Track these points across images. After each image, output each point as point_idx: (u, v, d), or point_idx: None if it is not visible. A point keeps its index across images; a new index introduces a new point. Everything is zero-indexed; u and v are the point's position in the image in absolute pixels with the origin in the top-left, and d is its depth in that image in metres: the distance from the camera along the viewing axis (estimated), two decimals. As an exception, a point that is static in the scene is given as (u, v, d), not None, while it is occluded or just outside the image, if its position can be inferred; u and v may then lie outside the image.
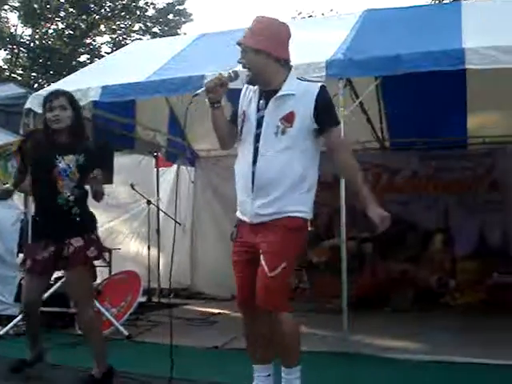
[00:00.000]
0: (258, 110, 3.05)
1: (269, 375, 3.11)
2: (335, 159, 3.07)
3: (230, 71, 3.10)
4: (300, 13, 21.87)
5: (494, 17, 5.43)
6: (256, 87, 3.10)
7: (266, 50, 3.03)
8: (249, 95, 3.13)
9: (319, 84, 3.08)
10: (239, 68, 3.18)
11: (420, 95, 5.95)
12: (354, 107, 4.81)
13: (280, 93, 3.01)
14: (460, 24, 5.17)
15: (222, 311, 6.50)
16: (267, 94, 3.05)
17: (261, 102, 3.06)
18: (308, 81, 3.14)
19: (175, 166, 8.16)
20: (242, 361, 3.33)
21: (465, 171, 7.24)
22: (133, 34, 22.73)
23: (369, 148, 7.42)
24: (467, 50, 4.38)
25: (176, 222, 7.60)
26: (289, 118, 2.99)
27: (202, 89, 3.05)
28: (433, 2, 16.75)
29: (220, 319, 6.15)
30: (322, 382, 3.71)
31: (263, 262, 2.93)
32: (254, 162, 3.00)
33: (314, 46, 5.12)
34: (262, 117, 3.02)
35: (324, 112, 3.00)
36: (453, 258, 7.25)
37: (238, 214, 3.14)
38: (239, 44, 3.08)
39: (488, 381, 3.77)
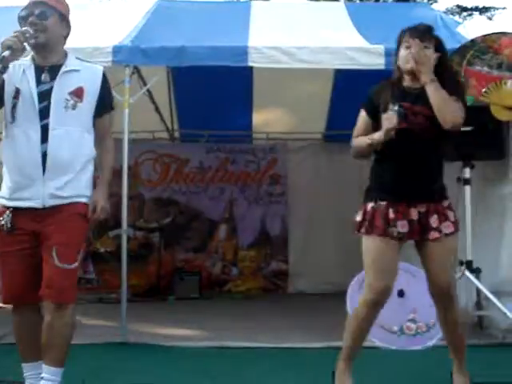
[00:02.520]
0: (39, 84, 2.81)
1: (40, 373, 2.88)
2: (101, 145, 3.01)
3: (27, 29, 2.74)
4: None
5: (280, 18, 5.74)
6: (29, 62, 2.83)
7: (68, 21, 2.92)
8: (19, 71, 2.82)
9: (101, 67, 3.03)
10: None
11: (209, 89, 6.08)
12: (139, 95, 4.77)
13: (67, 67, 2.86)
14: (248, 22, 5.38)
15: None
16: (49, 68, 2.83)
17: (43, 75, 2.81)
18: (88, 62, 3.05)
19: None
20: (16, 356, 3.12)
21: (249, 164, 7.58)
22: None
23: (158, 138, 7.43)
24: (251, 49, 4.56)
25: None
26: (78, 93, 2.85)
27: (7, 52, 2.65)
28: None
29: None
30: (94, 373, 3.61)
31: (56, 254, 2.73)
32: (44, 140, 2.75)
33: (104, 30, 4.99)
34: (47, 90, 2.80)
35: (106, 95, 2.98)
36: (236, 246, 7.58)
37: (13, 202, 2.81)
38: (42, 2, 2.80)
39: (262, 364, 3.95)
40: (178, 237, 7.53)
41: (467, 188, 4.70)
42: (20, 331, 2.91)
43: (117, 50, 4.50)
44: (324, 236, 7.21)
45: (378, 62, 4.53)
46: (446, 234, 2.91)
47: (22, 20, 2.84)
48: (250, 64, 4.60)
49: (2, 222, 2.79)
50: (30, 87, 2.80)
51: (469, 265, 4.60)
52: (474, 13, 16.31)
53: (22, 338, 2.91)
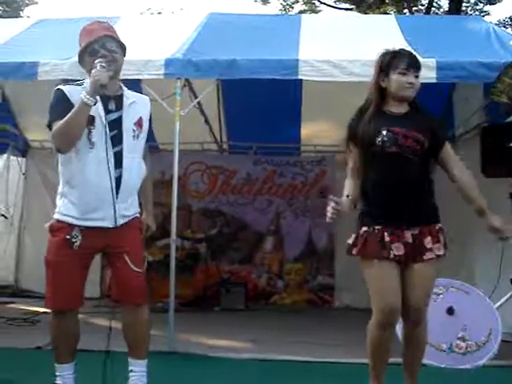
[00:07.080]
0: (107, 113, 3.00)
1: (74, 373, 3.15)
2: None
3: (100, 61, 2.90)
4: (149, 8, 21.55)
5: (330, 31, 5.74)
6: (85, 89, 2.90)
7: (125, 52, 3.14)
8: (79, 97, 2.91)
9: (147, 97, 3.37)
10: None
11: (259, 101, 6.11)
12: (190, 108, 4.83)
13: (130, 99, 3.09)
14: (298, 36, 5.39)
15: (47, 310, 6.21)
16: (114, 97, 3.02)
17: (110, 104, 3.02)
18: (135, 92, 3.28)
19: (5, 156, 7.67)
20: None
21: (297, 177, 7.56)
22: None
23: (207, 149, 7.51)
24: (301, 62, 4.59)
25: (2, 215, 7.14)
26: (140, 123, 3.11)
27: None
28: (280, 13, 17.38)
29: (43, 318, 5.88)
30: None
31: (129, 261, 3.03)
32: (117, 165, 2.99)
33: (156, 43, 5.08)
34: (116, 119, 3.01)
35: (151, 123, 3.23)
36: (282, 259, 7.55)
37: (83, 222, 2.99)
38: (110, 36, 3.04)
39: (305, 378, 3.95)
40: (225, 248, 7.56)
41: (519, 203, 4.60)
42: (63, 334, 3.11)
43: (168, 63, 4.58)
44: (371, 250, 7.11)
45: (429, 76, 4.47)
46: (438, 256, 2.91)
47: (93, 52, 2.98)
48: (301, 77, 4.62)
49: (74, 240, 2.97)
50: (100, 116, 2.98)
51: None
52: (528, 25, 15.98)
53: (64, 341, 3.11)
